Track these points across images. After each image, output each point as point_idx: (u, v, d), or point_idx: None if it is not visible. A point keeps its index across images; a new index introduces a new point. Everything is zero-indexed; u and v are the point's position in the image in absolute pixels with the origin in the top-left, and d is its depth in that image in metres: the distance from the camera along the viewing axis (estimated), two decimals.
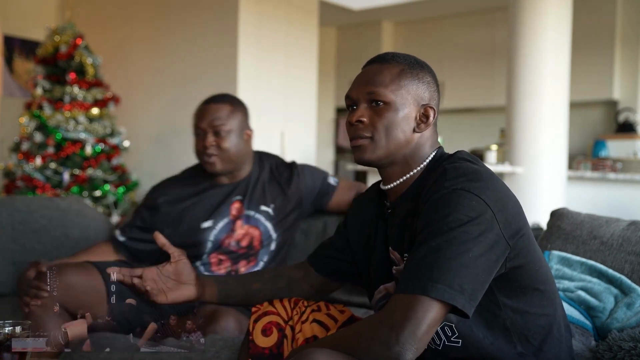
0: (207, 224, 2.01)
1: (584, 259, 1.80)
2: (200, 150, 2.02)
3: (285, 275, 1.49)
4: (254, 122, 4.81)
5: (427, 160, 1.27)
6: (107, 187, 4.72)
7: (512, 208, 1.17)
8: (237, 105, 2.05)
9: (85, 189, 4.67)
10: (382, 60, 1.28)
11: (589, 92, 6.42)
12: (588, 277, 1.76)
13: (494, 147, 5.19)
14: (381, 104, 1.24)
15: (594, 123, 6.76)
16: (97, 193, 4.68)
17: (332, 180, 2.19)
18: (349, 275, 1.46)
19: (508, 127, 4.62)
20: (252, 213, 2.04)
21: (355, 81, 1.30)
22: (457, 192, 1.12)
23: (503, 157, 4.95)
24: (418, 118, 1.26)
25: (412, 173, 1.27)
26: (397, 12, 7.31)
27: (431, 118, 1.26)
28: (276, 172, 2.10)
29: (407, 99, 1.24)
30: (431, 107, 1.27)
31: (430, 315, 1.05)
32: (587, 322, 1.66)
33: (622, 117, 6.41)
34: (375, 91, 1.24)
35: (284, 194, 2.07)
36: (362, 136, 1.25)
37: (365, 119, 1.25)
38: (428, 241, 1.10)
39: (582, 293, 1.71)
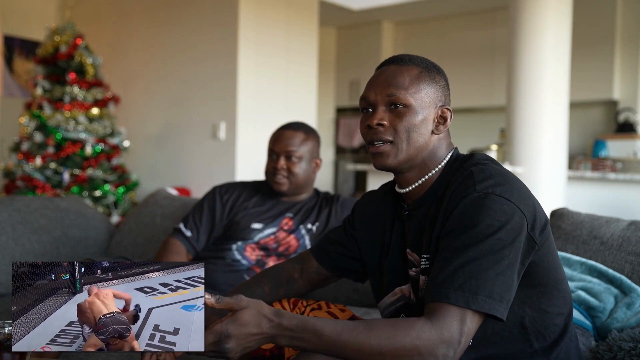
0: (256, 226, 2.15)
1: (584, 259, 1.80)
2: (271, 171, 2.15)
3: (284, 281, 1.47)
4: (253, 121, 4.85)
5: (444, 162, 1.27)
6: (107, 187, 4.72)
7: (537, 205, 1.19)
8: (310, 134, 2.17)
9: (85, 189, 4.66)
10: (400, 62, 1.27)
11: (589, 92, 6.42)
12: (588, 277, 1.76)
13: (494, 147, 5.19)
14: (401, 106, 1.22)
15: (594, 123, 6.76)
16: (97, 193, 4.68)
17: None
18: (353, 273, 1.46)
19: (508, 127, 4.62)
20: (297, 227, 2.18)
21: (372, 83, 1.27)
22: (489, 197, 1.13)
23: (503, 157, 4.95)
24: (436, 120, 1.26)
25: (429, 175, 1.27)
26: (397, 12, 7.31)
27: (449, 119, 1.27)
28: (324, 201, 2.25)
29: (425, 102, 1.24)
30: (448, 109, 1.27)
31: (471, 327, 1.09)
32: (587, 322, 1.67)
33: (622, 117, 6.41)
34: (395, 93, 1.22)
35: (327, 220, 2.19)
36: (384, 140, 1.23)
37: (385, 122, 1.23)
38: (464, 249, 1.11)
39: (582, 293, 1.71)
